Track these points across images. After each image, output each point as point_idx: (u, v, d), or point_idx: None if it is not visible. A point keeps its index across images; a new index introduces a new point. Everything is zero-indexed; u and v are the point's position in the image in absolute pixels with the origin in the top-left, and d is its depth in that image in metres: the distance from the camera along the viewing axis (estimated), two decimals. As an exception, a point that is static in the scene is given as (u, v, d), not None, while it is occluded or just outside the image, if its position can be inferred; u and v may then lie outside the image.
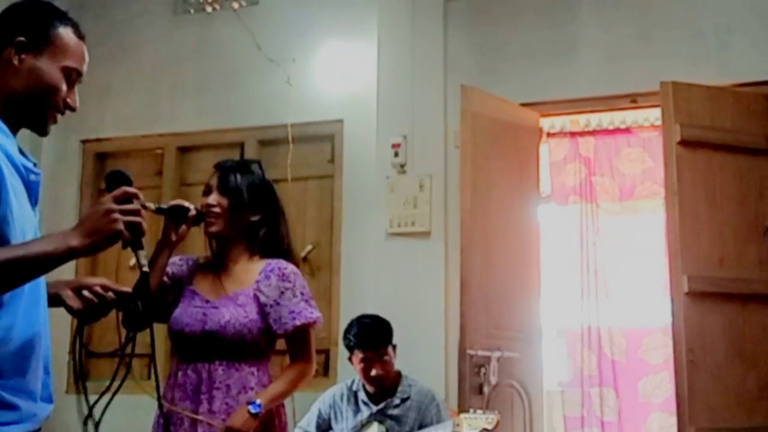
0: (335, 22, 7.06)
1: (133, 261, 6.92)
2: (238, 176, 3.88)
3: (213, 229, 3.84)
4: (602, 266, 6.89)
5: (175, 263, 3.97)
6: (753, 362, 5.65)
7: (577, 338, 6.82)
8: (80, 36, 2.62)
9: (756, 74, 6.05)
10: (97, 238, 2.36)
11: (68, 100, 2.58)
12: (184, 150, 7.45)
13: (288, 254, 3.98)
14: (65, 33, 2.57)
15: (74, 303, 2.65)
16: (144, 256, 2.56)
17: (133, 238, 2.44)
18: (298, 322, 3.75)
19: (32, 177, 2.44)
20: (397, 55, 6.68)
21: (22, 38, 2.49)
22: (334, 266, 6.90)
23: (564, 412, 6.79)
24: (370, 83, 6.71)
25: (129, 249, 2.51)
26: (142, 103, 7.46)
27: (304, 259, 6.92)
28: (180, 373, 3.77)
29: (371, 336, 5.26)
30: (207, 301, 3.79)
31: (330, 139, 7.09)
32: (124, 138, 7.53)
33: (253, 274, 3.83)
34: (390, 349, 5.32)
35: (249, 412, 3.60)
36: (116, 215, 2.37)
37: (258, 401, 3.62)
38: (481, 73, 6.50)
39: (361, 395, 5.40)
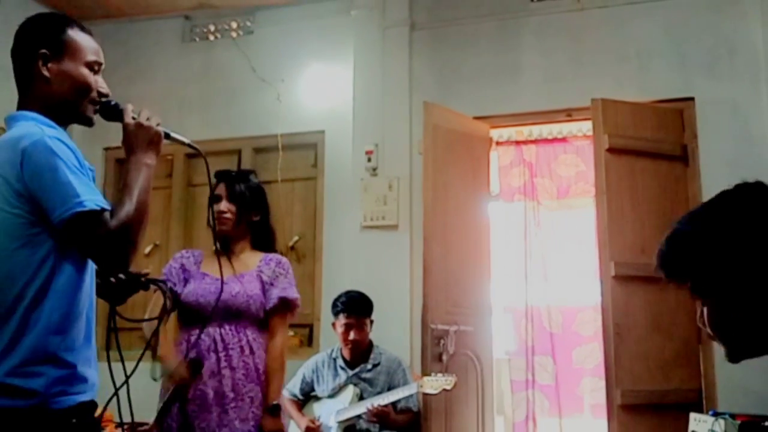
0: (318, 49, 7.05)
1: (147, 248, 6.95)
2: (242, 185, 4.05)
3: (224, 229, 3.99)
4: (542, 254, 6.83)
5: (183, 255, 4.14)
6: (669, 335, 5.62)
7: (522, 314, 6.76)
8: (87, 32, 2.58)
9: (672, 92, 6.05)
10: (155, 145, 2.53)
11: (100, 89, 2.57)
12: (190, 156, 7.33)
13: (274, 246, 4.19)
14: (75, 34, 2.54)
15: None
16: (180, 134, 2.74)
17: (165, 133, 2.60)
18: (282, 295, 3.92)
19: (92, 176, 2.41)
20: (370, 76, 6.68)
21: (43, 50, 2.45)
22: (316, 254, 6.86)
23: (511, 377, 6.74)
24: (347, 100, 6.72)
25: None
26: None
27: (292, 248, 6.91)
28: (193, 337, 3.81)
29: (357, 305, 5.34)
30: (217, 279, 3.75)
31: (313, 147, 7.03)
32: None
33: (255, 261, 4.01)
34: (368, 320, 5.39)
35: (271, 415, 3.80)
36: (149, 123, 2.53)
37: (273, 402, 3.81)
38: (440, 91, 6.47)
39: (339, 361, 5.44)
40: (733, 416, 4.67)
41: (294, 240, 6.91)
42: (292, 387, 5.55)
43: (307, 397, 5.51)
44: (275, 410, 3.80)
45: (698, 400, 5.53)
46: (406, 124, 6.48)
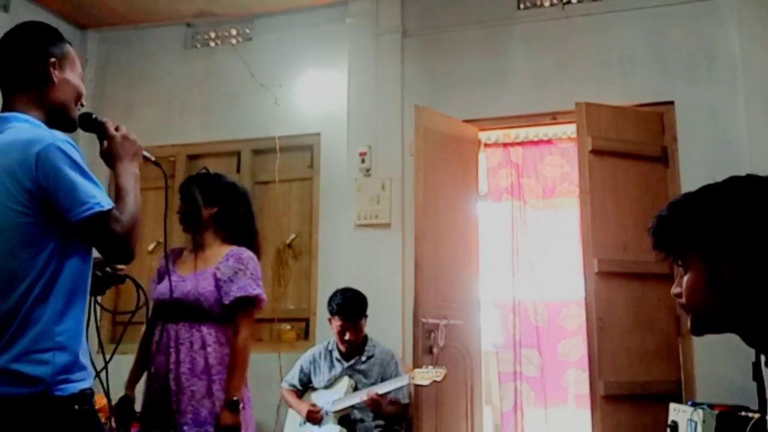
0: (314, 55, 7.03)
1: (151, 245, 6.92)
2: (191, 186, 4.02)
3: (186, 228, 4.03)
4: (529, 251, 6.81)
5: (168, 253, 3.97)
6: (650, 328, 5.62)
7: (509, 309, 6.74)
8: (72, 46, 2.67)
9: (652, 96, 6.05)
10: (138, 158, 2.59)
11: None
12: (192, 157, 7.32)
13: (251, 234, 4.06)
14: (70, 48, 2.63)
15: None
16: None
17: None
18: (240, 294, 3.79)
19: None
20: (364, 81, 6.65)
21: (53, 58, 2.51)
22: (313, 251, 6.82)
23: (498, 369, 6.71)
24: (342, 103, 6.69)
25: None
26: (159, 119, 7.32)
27: (289, 245, 6.90)
28: (156, 333, 3.82)
29: (351, 309, 5.27)
30: (179, 277, 3.86)
31: (310, 148, 7.00)
32: (143, 147, 7.31)
33: (218, 258, 3.89)
34: (363, 320, 5.34)
35: (228, 411, 3.68)
36: (132, 137, 2.59)
37: (232, 398, 3.69)
38: (431, 95, 6.45)
39: (335, 354, 5.42)
40: (711, 406, 4.66)
41: (291, 238, 6.88)
42: (290, 378, 5.55)
43: (305, 387, 5.49)
44: (233, 406, 3.68)
45: (678, 391, 5.53)
46: (398, 127, 6.47)
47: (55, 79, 2.51)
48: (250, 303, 3.84)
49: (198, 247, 3.98)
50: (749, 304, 1.77)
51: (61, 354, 2.29)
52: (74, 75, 2.60)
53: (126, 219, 2.32)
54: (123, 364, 3.43)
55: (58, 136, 2.35)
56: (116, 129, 2.59)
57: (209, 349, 3.76)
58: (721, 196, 1.81)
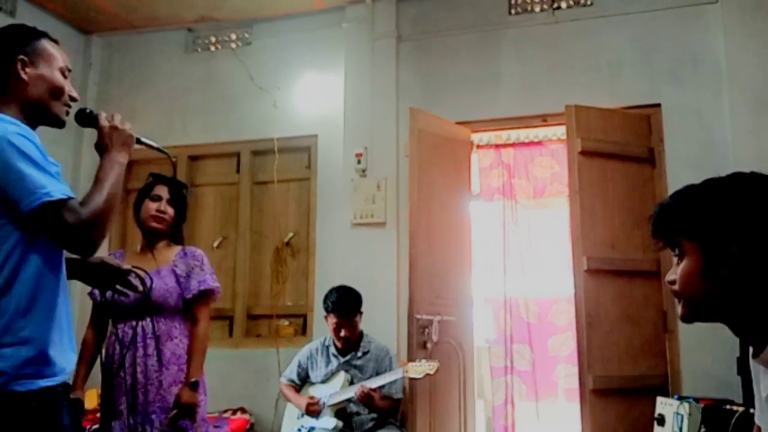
0: (311, 59, 7.00)
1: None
2: (181, 195, 4.17)
3: (159, 228, 4.07)
4: (520, 249, 6.81)
5: (115, 255, 4.08)
6: (637, 324, 5.61)
7: (500, 305, 6.73)
8: (56, 42, 2.64)
9: (640, 99, 6.04)
10: (127, 147, 2.56)
11: (70, 93, 2.62)
12: (193, 158, 7.31)
13: (182, 240, 4.23)
14: (48, 43, 2.60)
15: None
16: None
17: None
18: (202, 287, 3.99)
19: (55, 170, 2.35)
20: (360, 84, 6.63)
21: (22, 56, 2.48)
22: (310, 249, 6.80)
23: (490, 363, 6.70)
24: (339, 106, 6.67)
25: None
26: (161, 121, 7.29)
27: (287, 243, 6.89)
28: (119, 330, 3.87)
29: (345, 307, 5.26)
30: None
31: (307, 149, 6.97)
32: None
33: (171, 256, 4.06)
34: (358, 316, 5.33)
35: (190, 387, 3.84)
36: (122, 126, 2.56)
37: (192, 380, 3.86)
38: (425, 98, 6.45)
39: (332, 349, 5.42)
40: (696, 400, 4.66)
41: (289, 236, 6.86)
42: (289, 373, 5.55)
43: (303, 382, 5.48)
44: (194, 385, 3.85)
45: (664, 385, 5.52)
46: (393, 129, 6.44)
47: (26, 77, 2.48)
48: (208, 295, 4.06)
49: (151, 247, 4.09)
50: (742, 295, 1.79)
51: (25, 348, 2.22)
52: (50, 70, 2.55)
53: (87, 210, 2.26)
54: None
55: (9, 129, 2.27)
56: (112, 118, 2.56)
57: (176, 341, 3.91)
58: (723, 189, 1.84)
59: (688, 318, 1.88)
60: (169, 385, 3.83)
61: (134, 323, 3.81)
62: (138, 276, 3.07)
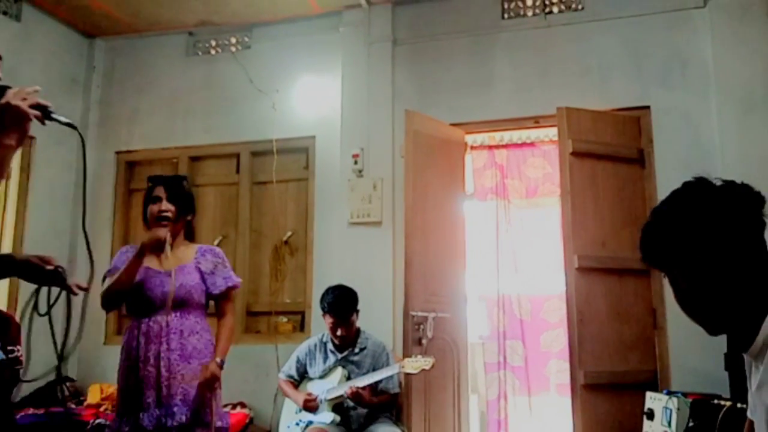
0: (309, 62, 6.99)
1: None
2: (179, 189, 4.13)
3: (159, 225, 4.02)
4: (513, 248, 6.81)
5: (128, 250, 4.10)
6: (627, 321, 5.61)
7: (494, 302, 6.74)
8: None
9: (629, 101, 6.04)
10: (16, 126, 2.22)
11: None
12: (194, 159, 7.28)
13: (193, 234, 4.25)
14: None
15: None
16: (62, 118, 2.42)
17: (43, 113, 2.30)
18: (229, 284, 4.10)
19: None
20: (356, 86, 6.63)
21: None
22: (308, 248, 6.78)
23: (484, 359, 6.71)
24: (336, 108, 6.67)
25: None
26: (162, 123, 7.29)
27: (286, 242, 6.88)
28: (143, 325, 3.88)
29: (341, 307, 5.22)
30: (160, 272, 3.96)
31: (305, 150, 6.96)
32: (148, 150, 7.32)
33: (191, 254, 4.09)
34: (354, 315, 5.30)
35: (217, 363, 3.91)
36: (17, 102, 2.21)
37: (218, 359, 3.93)
38: (420, 100, 6.44)
39: (329, 345, 5.39)
40: (685, 395, 4.65)
41: (288, 235, 6.85)
42: (287, 369, 5.52)
43: (301, 378, 5.46)
44: (221, 364, 3.93)
45: (654, 380, 5.52)
46: (389, 130, 6.44)
47: None
48: (232, 290, 4.15)
49: (170, 246, 4.06)
50: (731, 299, 1.84)
51: None
52: None
53: None
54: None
55: None
56: (13, 95, 2.25)
57: (197, 336, 3.94)
58: (678, 217, 1.88)
59: (712, 333, 1.93)
60: (191, 379, 3.85)
61: (155, 318, 3.86)
62: (61, 275, 2.75)
